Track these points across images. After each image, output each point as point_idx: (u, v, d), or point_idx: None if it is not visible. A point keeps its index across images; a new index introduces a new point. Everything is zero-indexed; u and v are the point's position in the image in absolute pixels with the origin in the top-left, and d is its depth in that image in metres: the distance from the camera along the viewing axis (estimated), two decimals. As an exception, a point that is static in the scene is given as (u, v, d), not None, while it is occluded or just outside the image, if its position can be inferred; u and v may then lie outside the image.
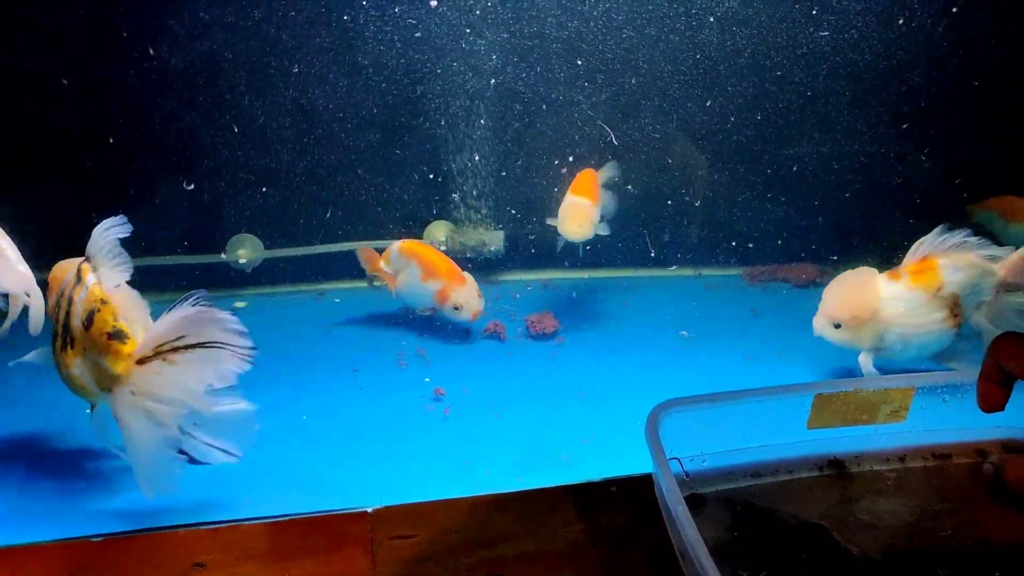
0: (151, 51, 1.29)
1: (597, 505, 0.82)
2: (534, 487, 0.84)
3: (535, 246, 1.53)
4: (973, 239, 1.03)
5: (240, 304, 1.41)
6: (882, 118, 1.50)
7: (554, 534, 0.79)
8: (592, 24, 1.38)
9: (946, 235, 1.03)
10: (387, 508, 0.81)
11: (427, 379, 1.14)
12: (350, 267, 1.48)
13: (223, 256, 1.43)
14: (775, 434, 0.84)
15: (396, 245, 1.27)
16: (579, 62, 1.39)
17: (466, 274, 1.25)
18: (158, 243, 1.39)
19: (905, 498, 0.84)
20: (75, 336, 0.83)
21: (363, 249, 1.31)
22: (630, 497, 0.83)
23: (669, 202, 1.52)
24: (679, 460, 0.83)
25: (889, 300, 1.05)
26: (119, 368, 0.82)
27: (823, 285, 1.49)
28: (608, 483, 0.85)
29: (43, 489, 0.86)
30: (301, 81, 1.34)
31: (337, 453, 0.94)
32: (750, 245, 1.56)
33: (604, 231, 1.36)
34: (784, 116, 1.49)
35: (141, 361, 0.80)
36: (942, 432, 0.88)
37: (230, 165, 1.39)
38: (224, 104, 1.36)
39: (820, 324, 1.09)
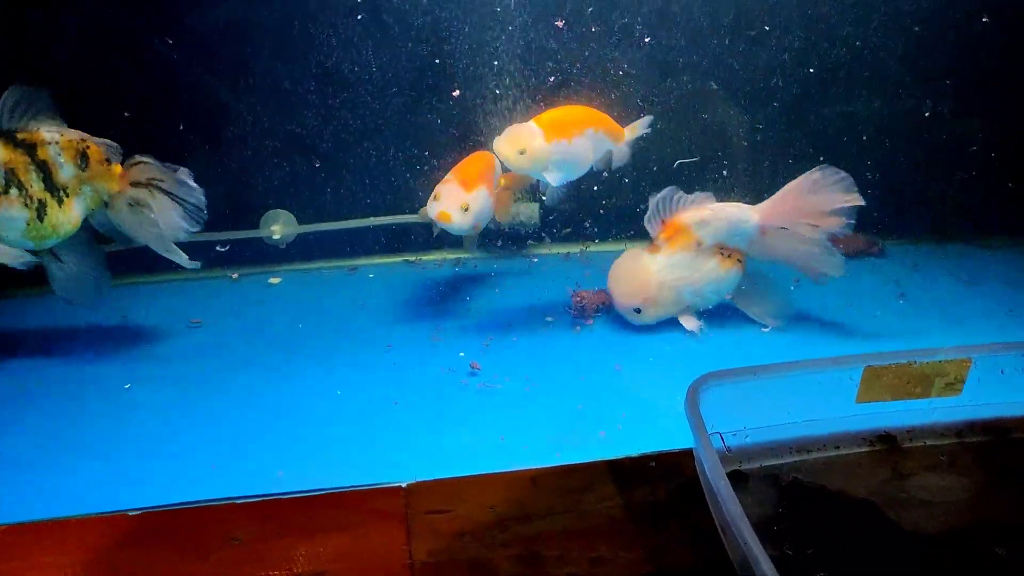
0: (174, 18, 1.27)
1: (636, 481, 0.82)
2: (572, 462, 0.85)
3: (574, 217, 1.49)
4: (694, 195, 1.14)
5: (275, 280, 1.39)
6: (940, 75, 1.43)
7: (592, 510, 0.78)
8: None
9: (674, 196, 1.13)
10: (421, 483, 0.82)
11: (461, 354, 1.12)
12: (382, 241, 1.49)
13: (259, 233, 1.43)
14: (822, 408, 0.82)
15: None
16: (614, 16, 1.34)
17: (477, 188, 1.15)
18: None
19: (961, 474, 0.81)
20: (68, 184, 1.03)
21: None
22: (670, 473, 0.82)
23: (708, 164, 1.44)
24: (720, 435, 0.81)
25: (663, 270, 1.15)
26: (115, 185, 1.07)
27: (874, 256, 1.48)
28: (647, 459, 0.84)
29: (79, 461, 0.88)
30: (328, 46, 1.31)
31: (371, 428, 0.94)
32: None
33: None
34: (831, 72, 1.42)
35: (135, 184, 1.06)
36: (1000, 406, 0.86)
37: (262, 137, 1.37)
38: (254, 77, 1.34)
39: (624, 313, 1.18)
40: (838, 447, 0.85)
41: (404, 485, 0.81)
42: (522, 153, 1.06)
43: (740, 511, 0.63)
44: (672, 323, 1.20)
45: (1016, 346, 0.84)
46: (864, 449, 0.86)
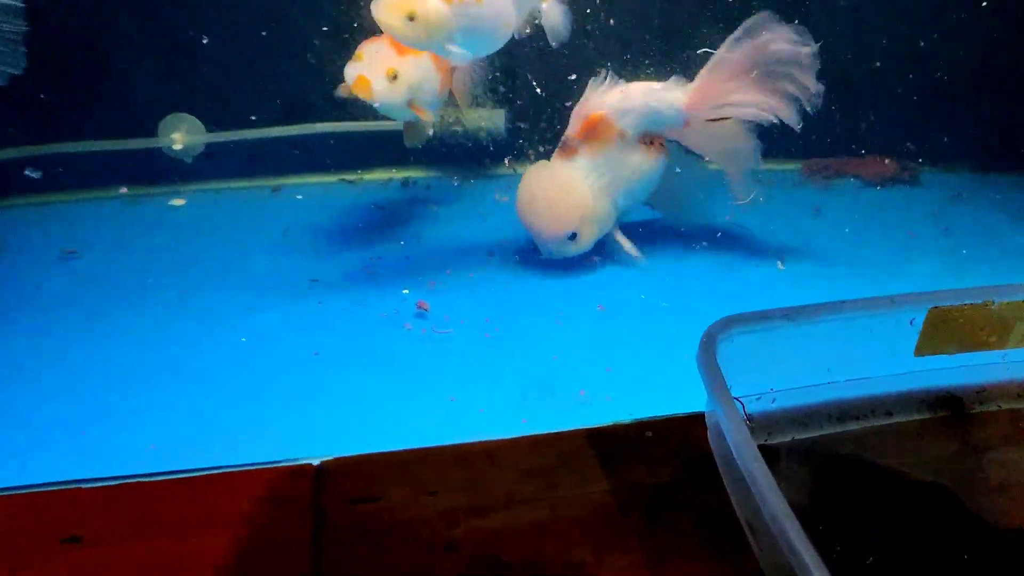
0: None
1: (628, 457, 0.67)
2: (543, 431, 0.69)
3: (547, 129, 1.31)
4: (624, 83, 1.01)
5: (178, 202, 1.24)
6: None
7: (569, 498, 0.64)
8: None
9: (599, 86, 1.00)
10: (342, 460, 0.67)
11: (406, 291, 0.97)
12: (314, 155, 1.31)
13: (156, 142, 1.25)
14: (871, 364, 0.70)
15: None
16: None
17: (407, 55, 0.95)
18: (73, 127, 1.20)
19: None
20: None
21: None
22: (672, 446, 0.69)
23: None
24: (740, 400, 0.65)
25: (590, 177, 1.00)
26: None
27: (906, 184, 1.33)
28: (642, 426, 0.71)
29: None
30: None
31: (281, 387, 0.79)
32: (813, 136, 1.33)
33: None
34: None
35: None
36: None
37: (157, 23, 1.19)
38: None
39: (555, 247, 1.01)
40: (890, 413, 0.71)
41: (316, 463, 0.66)
42: (412, 19, 0.82)
43: (783, 504, 0.48)
44: (671, 256, 1.07)
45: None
46: (924, 416, 0.72)
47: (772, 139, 1.37)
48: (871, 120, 1.34)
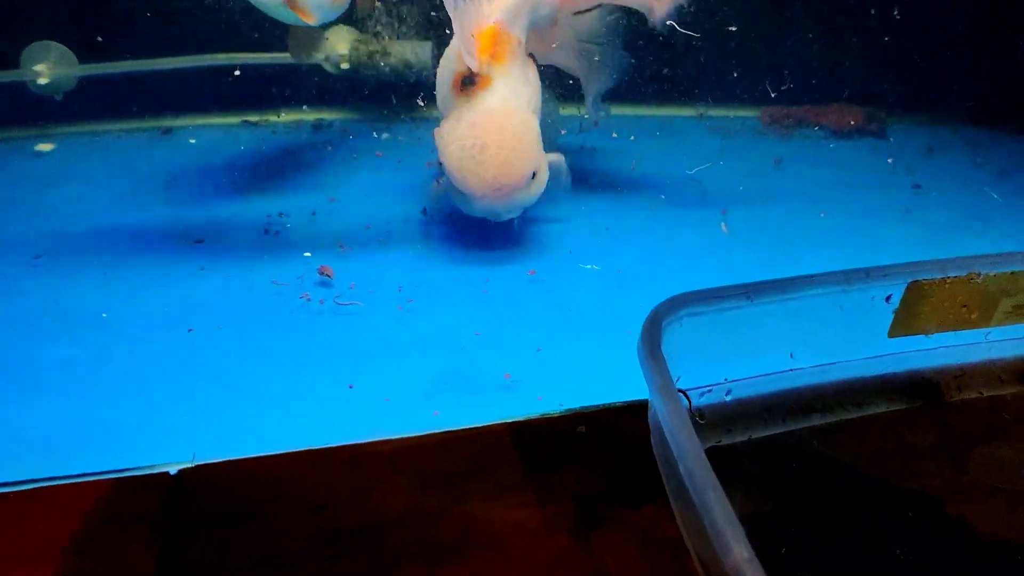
0: None
1: (556, 459, 0.59)
2: (459, 426, 0.61)
3: None
4: None
5: (45, 147, 1.12)
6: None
7: (489, 512, 0.55)
8: None
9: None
10: (206, 467, 0.56)
11: (307, 254, 0.85)
12: (213, 93, 1.19)
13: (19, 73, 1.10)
14: (839, 348, 0.62)
15: None
16: None
17: None
18: None
19: None
20: None
21: None
22: (608, 445, 0.60)
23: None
24: (685, 394, 0.57)
25: (520, 100, 0.86)
26: None
27: (871, 135, 1.26)
28: (574, 419, 0.63)
29: None
30: None
31: (140, 373, 0.68)
32: (772, 81, 1.25)
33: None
34: None
35: None
36: None
37: None
38: None
39: (518, 199, 0.85)
40: (860, 404, 0.64)
41: (173, 471, 0.55)
42: None
43: (737, 532, 0.41)
44: (610, 212, 0.97)
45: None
46: (898, 406, 0.64)
47: (729, 84, 1.29)
48: (836, 65, 1.27)
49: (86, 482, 0.53)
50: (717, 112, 1.32)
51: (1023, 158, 1.24)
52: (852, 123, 1.26)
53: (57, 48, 1.09)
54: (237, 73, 1.11)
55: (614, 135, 1.20)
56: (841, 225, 0.98)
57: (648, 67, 1.23)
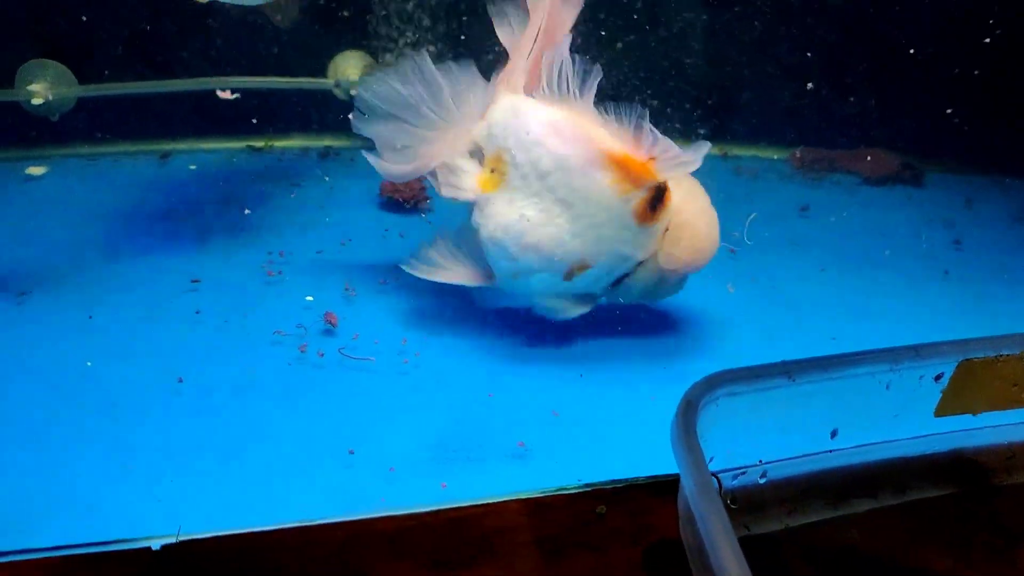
0: None
1: (572, 543, 0.56)
2: (468, 502, 0.58)
3: None
4: None
5: (37, 170, 1.10)
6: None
7: None
8: None
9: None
10: (193, 542, 0.54)
11: (310, 298, 0.83)
12: (216, 117, 1.17)
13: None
14: (880, 428, 0.61)
15: None
16: None
17: None
18: None
19: None
20: None
21: None
22: (631, 527, 0.58)
23: (687, 59, 1.22)
24: (717, 477, 0.55)
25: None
26: None
27: (907, 183, 1.26)
28: (593, 497, 0.60)
29: None
30: None
31: (125, 433, 0.65)
32: (805, 123, 1.28)
33: None
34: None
35: None
36: None
37: None
38: None
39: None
40: (903, 489, 0.60)
41: (156, 546, 0.53)
42: None
43: None
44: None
45: None
46: (943, 491, 0.62)
47: (760, 123, 1.28)
48: (872, 109, 1.25)
49: (58, 557, 0.51)
50: (741, 152, 1.31)
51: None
52: (886, 170, 1.24)
53: (55, 67, 1.07)
54: (236, 96, 1.10)
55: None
56: (869, 282, 0.95)
57: (674, 100, 1.23)
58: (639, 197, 0.72)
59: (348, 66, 1.16)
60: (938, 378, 0.58)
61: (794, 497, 0.57)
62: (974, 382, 0.60)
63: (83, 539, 0.52)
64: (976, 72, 1.23)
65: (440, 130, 0.78)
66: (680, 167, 0.72)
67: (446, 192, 0.77)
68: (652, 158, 0.71)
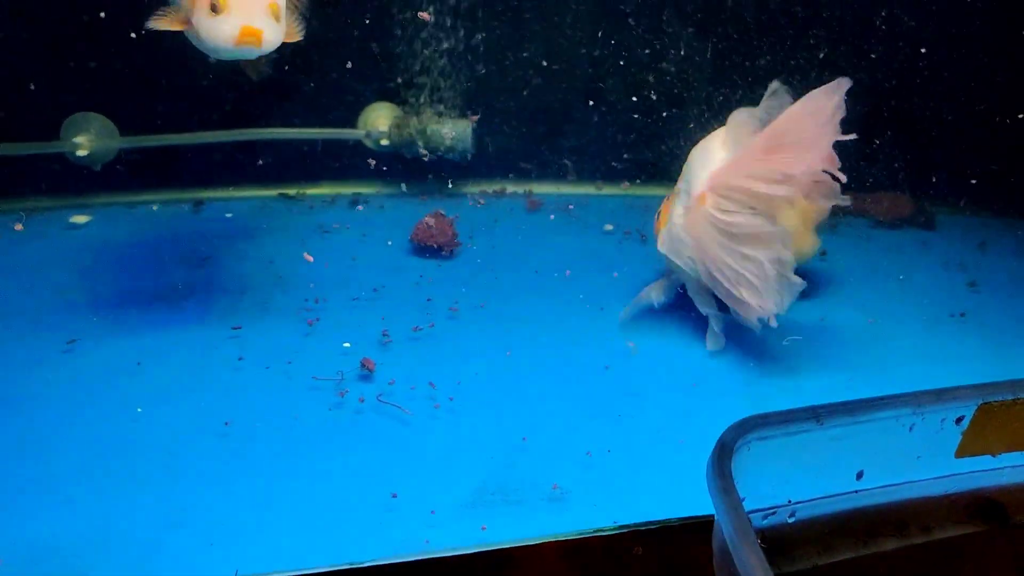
0: None
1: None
2: (506, 543, 0.61)
3: (520, 144, 1.27)
4: None
5: (80, 219, 1.13)
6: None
7: None
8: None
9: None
10: None
11: (347, 344, 0.86)
12: (249, 166, 1.21)
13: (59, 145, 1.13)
14: (905, 469, 0.63)
15: None
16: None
17: None
18: None
19: None
20: None
21: None
22: (668, 564, 0.61)
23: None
24: (749, 516, 0.56)
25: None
26: None
27: (921, 226, 1.29)
28: (631, 537, 0.62)
29: None
30: None
31: (178, 477, 0.68)
32: None
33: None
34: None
35: None
36: None
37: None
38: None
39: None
40: (928, 528, 0.63)
41: None
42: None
43: None
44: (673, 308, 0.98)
45: None
46: (967, 529, 0.63)
47: None
48: (883, 152, 1.28)
49: None
50: None
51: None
52: (900, 213, 1.25)
53: (98, 119, 1.12)
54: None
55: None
56: (888, 326, 0.97)
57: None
58: None
59: (378, 117, 1.21)
60: (959, 421, 0.60)
61: (822, 537, 0.59)
62: (993, 424, 0.62)
63: None
64: (986, 112, 1.27)
65: None
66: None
67: None
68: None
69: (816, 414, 0.57)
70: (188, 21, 0.75)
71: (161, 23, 0.76)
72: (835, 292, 1.05)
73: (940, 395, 0.61)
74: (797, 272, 0.86)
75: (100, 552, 0.59)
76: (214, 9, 0.71)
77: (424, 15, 1.13)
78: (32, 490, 0.65)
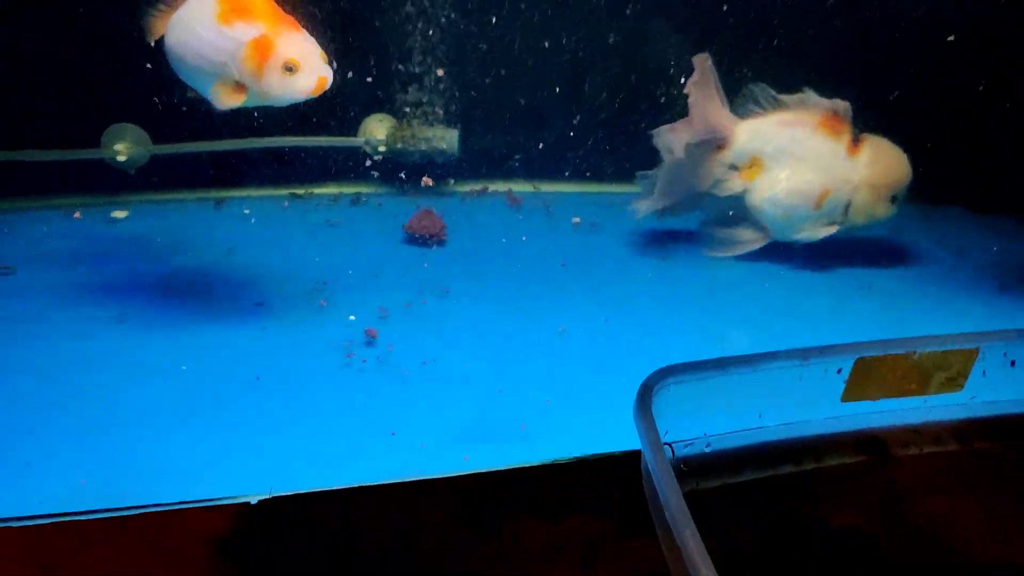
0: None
1: (568, 497, 0.69)
2: (482, 469, 0.70)
3: (500, 149, 1.35)
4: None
5: (120, 214, 1.21)
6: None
7: (509, 541, 0.64)
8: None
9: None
10: (277, 499, 0.66)
11: (352, 317, 0.95)
12: (262, 169, 1.29)
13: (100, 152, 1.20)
14: (801, 410, 0.72)
15: None
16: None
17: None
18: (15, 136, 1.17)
19: (967, 492, 0.70)
20: None
21: None
22: (610, 484, 0.70)
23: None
24: (671, 447, 0.67)
25: None
26: None
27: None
28: (581, 464, 0.72)
29: None
30: None
31: (221, 418, 0.77)
32: None
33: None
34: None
35: None
36: (1006, 404, 0.76)
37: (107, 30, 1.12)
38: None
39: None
40: (819, 458, 0.73)
41: (254, 501, 0.64)
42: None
43: (701, 550, 0.49)
44: (615, 284, 1.09)
45: (1029, 333, 0.73)
46: (850, 459, 0.73)
47: None
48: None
49: (183, 509, 0.63)
50: None
51: (978, 236, 1.32)
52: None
53: (134, 129, 1.20)
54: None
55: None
56: (818, 299, 1.08)
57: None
58: (845, 139, 1.11)
59: (375, 127, 1.29)
60: (839, 372, 0.71)
61: (732, 462, 0.69)
62: (870, 375, 0.72)
63: (198, 495, 0.64)
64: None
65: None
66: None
67: (723, 192, 1.15)
68: (840, 117, 1.11)
69: (722, 364, 0.67)
70: (244, 87, 0.80)
71: (228, 101, 0.81)
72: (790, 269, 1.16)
73: (823, 351, 0.71)
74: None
75: (160, 475, 0.68)
76: (290, 70, 0.78)
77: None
78: (101, 430, 0.73)
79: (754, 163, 1.13)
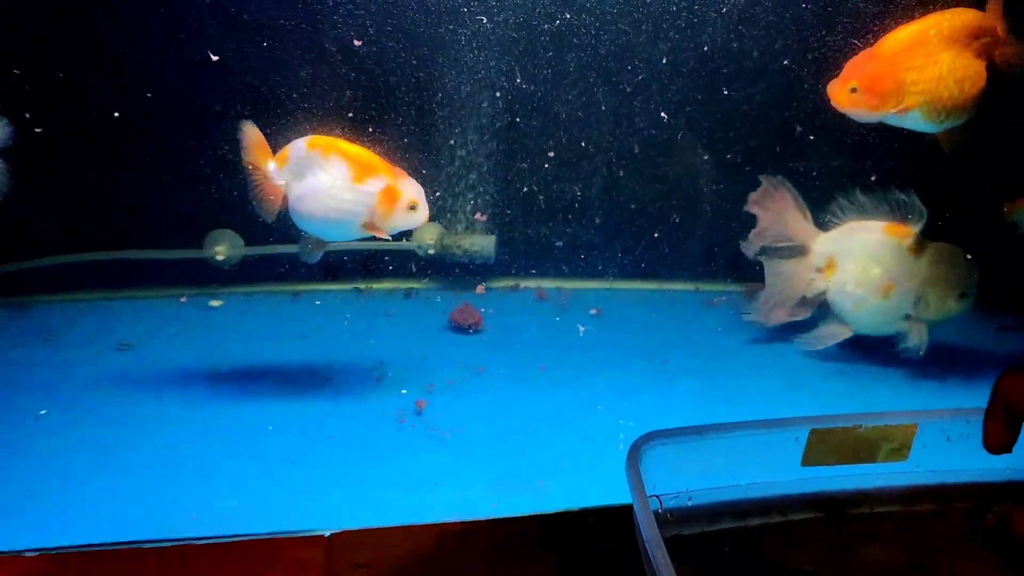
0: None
1: (574, 539, 0.79)
2: (507, 515, 0.80)
3: (530, 251, 1.48)
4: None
5: (215, 303, 1.35)
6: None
7: (525, 573, 0.74)
8: (585, 17, 1.29)
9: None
10: (346, 532, 0.77)
11: (404, 391, 1.09)
12: (328, 267, 1.43)
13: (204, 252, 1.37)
14: (767, 471, 0.80)
15: (302, 141, 0.96)
16: (571, 56, 1.32)
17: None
18: (136, 237, 1.34)
19: (904, 546, 0.79)
20: None
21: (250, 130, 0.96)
22: (611, 531, 0.80)
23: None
24: (659, 498, 0.78)
25: None
26: None
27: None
28: (587, 514, 0.81)
29: None
30: (267, 67, 1.23)
31: (300, 468, 0.90)
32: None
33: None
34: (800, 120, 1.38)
35: None
36: (946, 473, 0.83)
37: (213, 158, 1.27)
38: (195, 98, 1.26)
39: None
40: (784, 513, 0.82)
41: (328, 534, 0.76)
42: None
43: None
44: (618, 367, 1.19)
45: (962, 412, 0.83)
46: (809, 515, 0.83)
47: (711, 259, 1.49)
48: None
49: (275, 538, 0.75)
50: (709, 287, 1.52)
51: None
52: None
53: (230, 234, 1.36)
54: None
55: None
56: (796, 380, 1.18)
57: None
58: (908, 241, 1.18)
59: (425, 234, 1.43)
60: (796, 440, 0.81)
61: (709, 515, 0.76)
62: (824, 444, 0.77)
63: (286, 528, 0.76)
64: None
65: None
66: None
67: (811, 292, 1.25)
68: (904, 223, 1.18)
69: (700, 430, 0.76)
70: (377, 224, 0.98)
71: (378, 232, 0.99)
72: (756, 357, 1.26)
73: (783, 423, 0.82)
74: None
75: (256, 511, 0.81)
76: (413, 208, 0.97)
77: (479, 216, 1.40)
78: (213, 473, 0.87)
79: (830, 264, 1.24)
